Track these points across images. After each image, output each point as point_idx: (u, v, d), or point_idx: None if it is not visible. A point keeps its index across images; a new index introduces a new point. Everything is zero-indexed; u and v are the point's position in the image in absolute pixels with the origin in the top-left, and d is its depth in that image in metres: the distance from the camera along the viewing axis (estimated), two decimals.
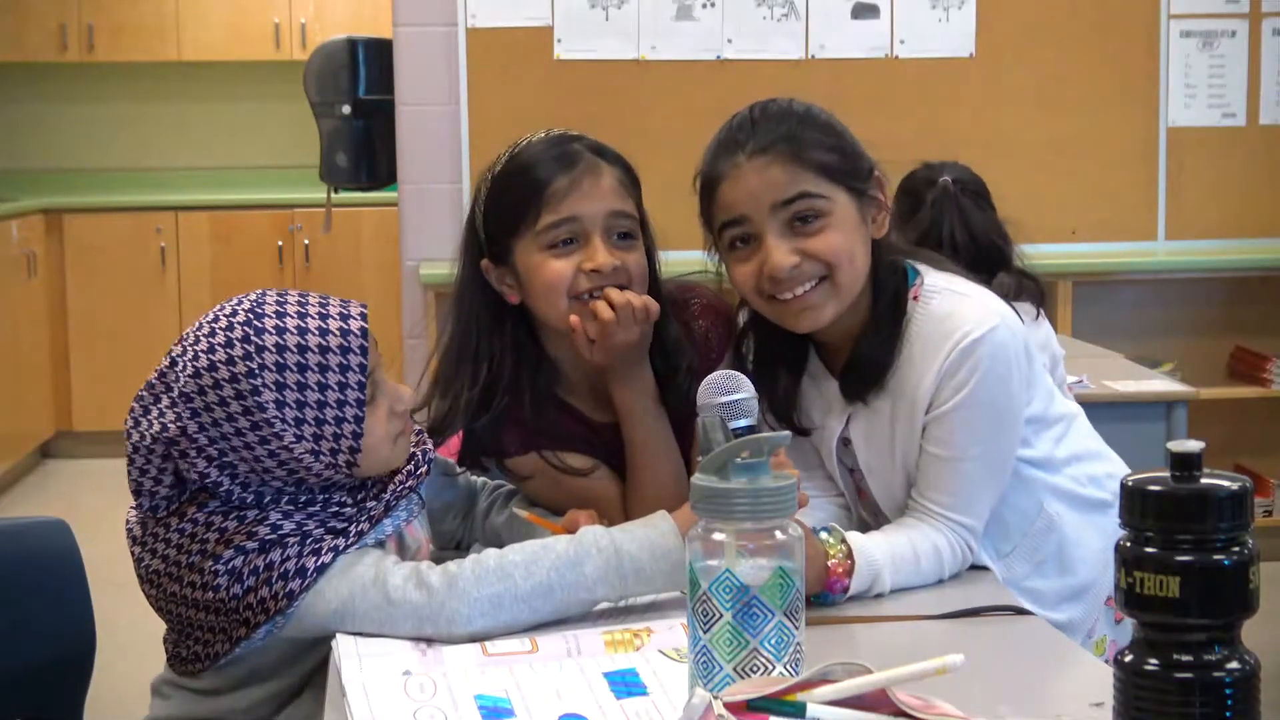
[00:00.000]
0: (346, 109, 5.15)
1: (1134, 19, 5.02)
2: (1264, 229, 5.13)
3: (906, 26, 4.93)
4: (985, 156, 4.68)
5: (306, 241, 7.29)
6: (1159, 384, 3.67)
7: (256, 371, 1.68)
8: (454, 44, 4.81)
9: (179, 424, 1.71)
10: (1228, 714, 1.12)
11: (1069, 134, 5.01)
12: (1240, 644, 1.15)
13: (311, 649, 1.76)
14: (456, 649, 1.64)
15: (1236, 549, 1.13)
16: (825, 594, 1.80)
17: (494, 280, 2.05)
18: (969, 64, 4.97)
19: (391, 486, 1.80)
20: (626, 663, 1.56)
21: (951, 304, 1.94)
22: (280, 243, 7.31)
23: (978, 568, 1.97)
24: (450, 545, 2.10)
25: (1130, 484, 1.15)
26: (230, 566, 1.68)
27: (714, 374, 1.80)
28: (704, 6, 4.86)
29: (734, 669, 1.31)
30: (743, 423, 1.74)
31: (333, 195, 5.59)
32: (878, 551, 1.85)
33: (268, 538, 1.69)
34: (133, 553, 1.77)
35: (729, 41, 4.88)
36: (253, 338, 1.70)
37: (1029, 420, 2.00)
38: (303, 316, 1.73)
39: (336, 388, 1.72)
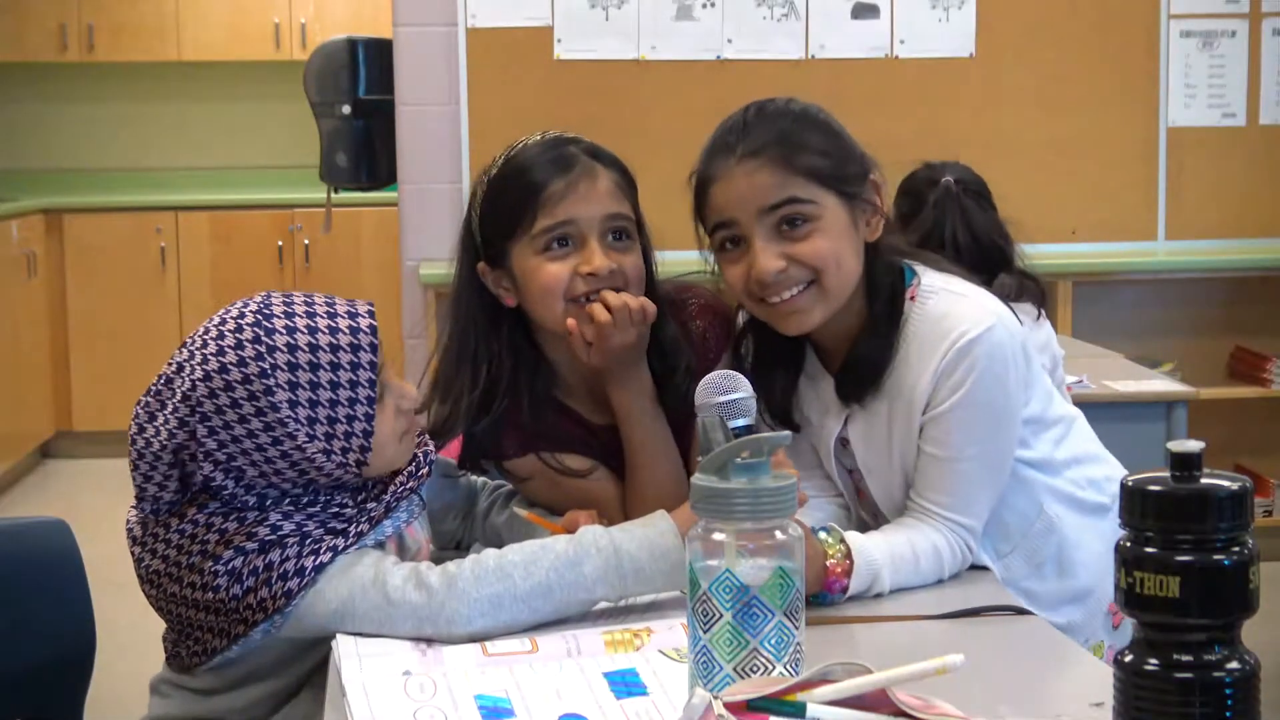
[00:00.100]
0: (346, 109, 5.15)
1: (1134, 19, 5.02)
2: (1264, 229, 5.13)
3: (906, 26, 4.93)
4: (985, 156, 4.68)
5: (306, 241, 7.29)
6: (1159, 384, 3.67)
7: (269, 372, 1.68)
8: (454, 44, 4.82)
9: (187, 430, 1.70)
10: (1228, 714, 1.12)
11: (1069, 134, 5.01)
12: (1240, 644, 1.15)
13: (310, 649, 1.76)
14: (456, 649, 1.64)
15: (1236, 549, 1.13)
16: (824, 594, 1.80)
17: (490, 283, 2.05)
18: (969, 64, 4.97)
19: (392, 488, 1.80)
20: (626, 663, 1.56)
21: (948, 304, 1.94)
22: (280, 243, 7.31)
23: (978, 568, 1.97)
24: (450, 545, 2.10)
25: (1130, 484, 1.15)
26: (230, 567, 1.68)
27: (712, 374, 1.80)
28: (704, 6, 4.86)
29: (734, 669, 1.31)
30: (741, 422, 1.74)
31: (333, 195, 5.59)
32: (877, 551, 1.85)
33: (267, 538, 1.69)
34: (133, 553, 1.77)
35: (729, 41, 4.88)
36: (264, 338, 1.70)
37: (1027, 421, 2.00)
38: (311, 316, 1.73)
39: (348, 386, 1.72)
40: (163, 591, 1.73)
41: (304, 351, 1.71)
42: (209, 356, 1.70)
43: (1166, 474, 1.14)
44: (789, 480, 1.34)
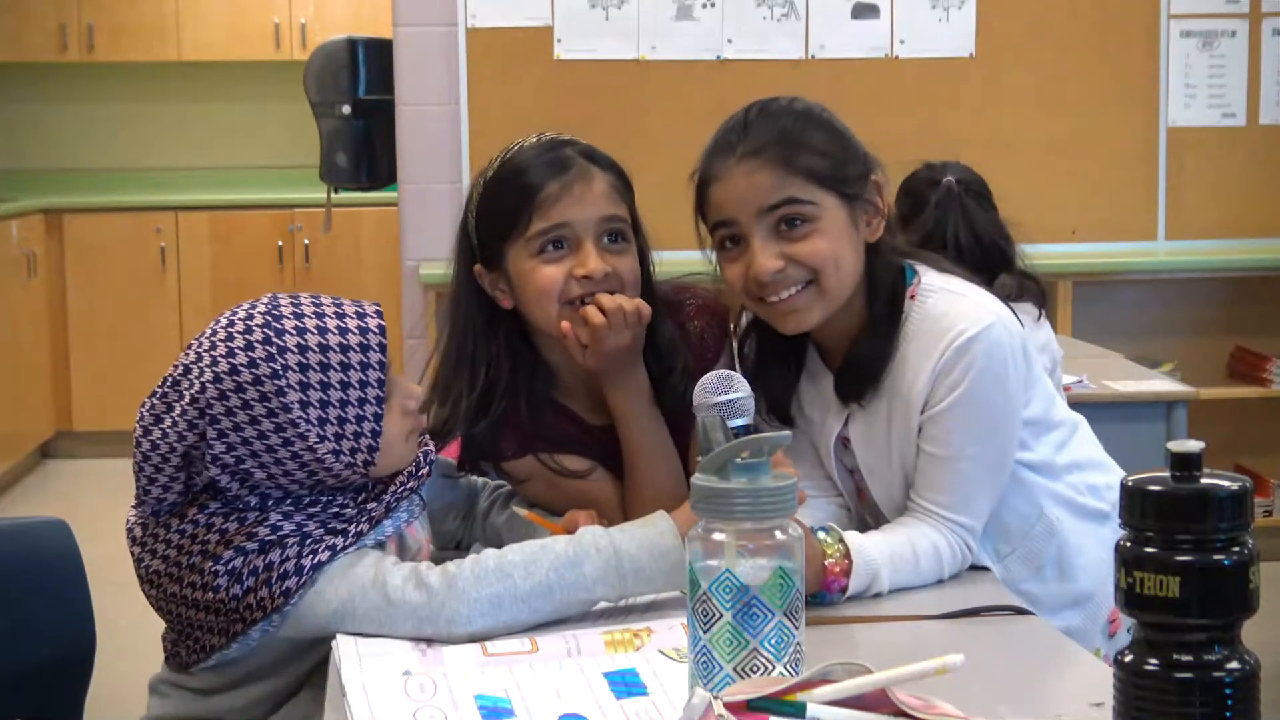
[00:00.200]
0: (346, 109, 5.15)
1: (1134, 19, 5.02)
2: (1264, 229, 5.13)
3: (906, 26, 4.93)
4: (985, 156, 4.68)
5: (306, 241, 7.29)
6: (1159, 384, 3.67)
7: (280, 372, 1.68)
8: (454, 44, 4.82)
9: (196, 431, 1.70)
10: (1228, 714, 1.12)
11: (1069, 134, 5.01)
12: (1240, 644, 1.15)
13: (310, 649, 1.76)
14: (456, 649, 1.64)
15: (1236, 549, 1.13)
16: (823, 594, 1.80)
17: (487, 285, 2.05)
18: (969, 64, 4.97)
19: (393, 488, 1.80)
20: (626, 663, 1.56)
21: (947, 303, 1.94)
22: (280, 243, 7.31)
23: (978, 568, 1.97)
24: (450, 545, 2.10)
25: (1130, 484, 1.15)
26: (230, 567, 1.68)
27: (710, 374, 1.80)
28: (704, 6, 4.86)
29: (734, 669, 1.31)
30: (739, 422, 1.74)
31: (333, 195, 5.59)
32: (876, 551, 1.85)
33: (267, 539, 1.69)
34: (133, 553, 1.77)
35: (729, 41, 4.88)
36: (274, 339, 1.70)
37: (1028, 423, 2.00)
38: (320, 317, 1.73)
39: (358, 386, 1.72)
40: (163, 591, 1.73)
41: (315, 352, 1.71)
42: (218, 358, 1.70)
43: (1166, 474, 1.14)
44: (789, 480, 1.34)
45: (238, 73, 7.78)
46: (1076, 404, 2.21)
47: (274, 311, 1.73)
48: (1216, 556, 1.12)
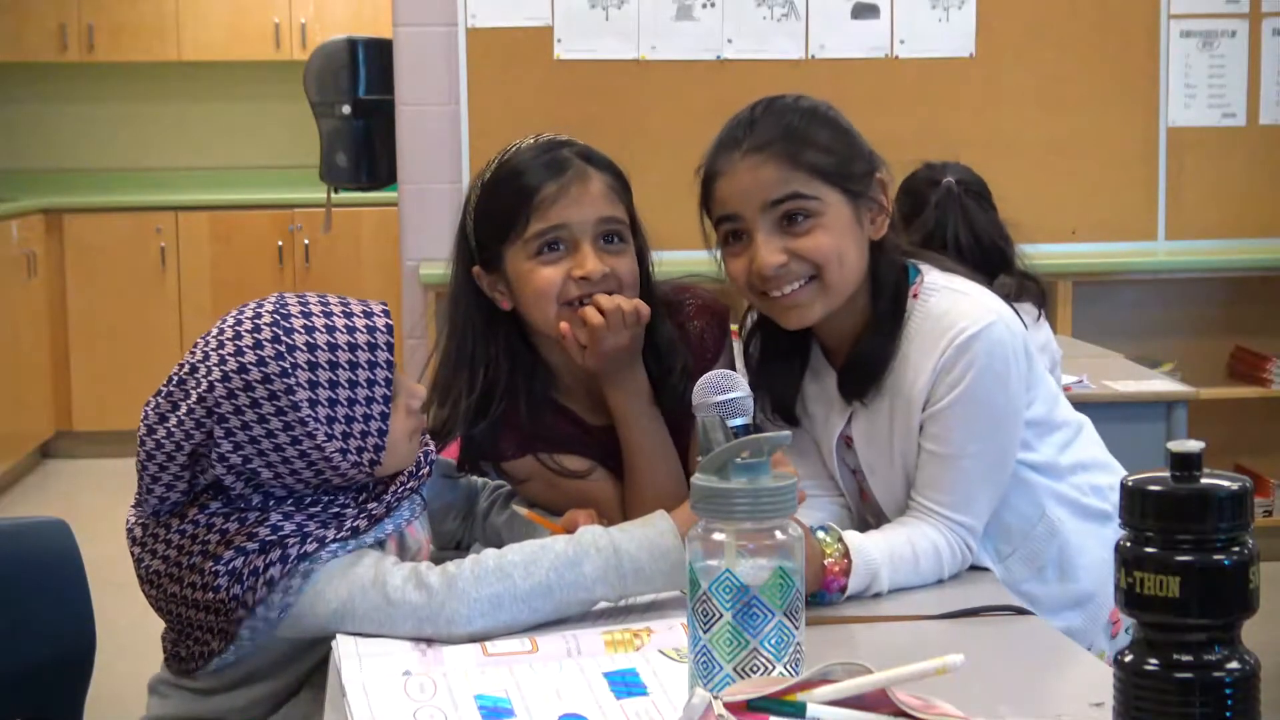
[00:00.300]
0: (346, 109, 5.15)
1: (1134, 19, 5.02)
2: (1264, 229, 5.13)
3: (906, 26, 4.93)
4: (985, 156, 4.68)
5: (306, 241, 7.29)
6: (1159, 384, 3.67)
7: (290, 371, 1.68)
8: (454, 44, 4.82)
9: (204, 430, 1.70)
10: (1228, 714, 1.12)
11: (1069, 134, 5.01)
12: (1240, 644, 1.15)
13: (310, 649, 1.76)
14: (456, 649, 1.64)
15: (1236, 549, 1.13)
16: (822, 593, 1.80)
17: (486, 287, 2.05)
18: (969, 64, 4.97)
19: (393, 488, 1.80)
20: (626, 663, 1.56)
21: (949, 301, 1.94)
22: (280, 243, 7.31)
23: (978, 568, 1.97)
24: (450, 545, 2.10)
25: (1130, 484, 1.15)
26: (230, 567, 1.68)
27: (709, 374, 1.80)
28: (704, 6, 4.86)
29: (734, 669, 1.31)
30: (738, 421, 1.74)
31: (333, 195, 5.59)
32: (875, 551, 1.85)
33: (268, 539, 1.69)
34: (133, 553, 1.77)
35: (729, 41, 4.88)
36: (283, 338, 1.70)
37: (1031, 423, 2.00)
38: (328, 316, 1.73)
39: (366, 385, 1.73)
40: (163, 592, 1.73)
41: (324, 351, 1.71)
42: (227, 357, 1.70)
43: (1166, 474, 1.14)
44: (789, 480, 1.34)
45: (238, 73, 7.78)
46: (1076, 404, 2.21)
47: (282, 310, 1.73)
48: (1216, 556, 1.12)
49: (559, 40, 4.84)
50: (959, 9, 4.94)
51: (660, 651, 1.59)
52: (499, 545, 1.76)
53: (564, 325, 1.99)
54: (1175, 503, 1.13)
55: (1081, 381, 3.52)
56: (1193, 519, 1.13)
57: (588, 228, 1.99)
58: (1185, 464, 1.14)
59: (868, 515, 2.07)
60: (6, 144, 7.74)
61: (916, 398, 1.93)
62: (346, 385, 1.72)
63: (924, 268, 2.00)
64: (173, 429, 1.71)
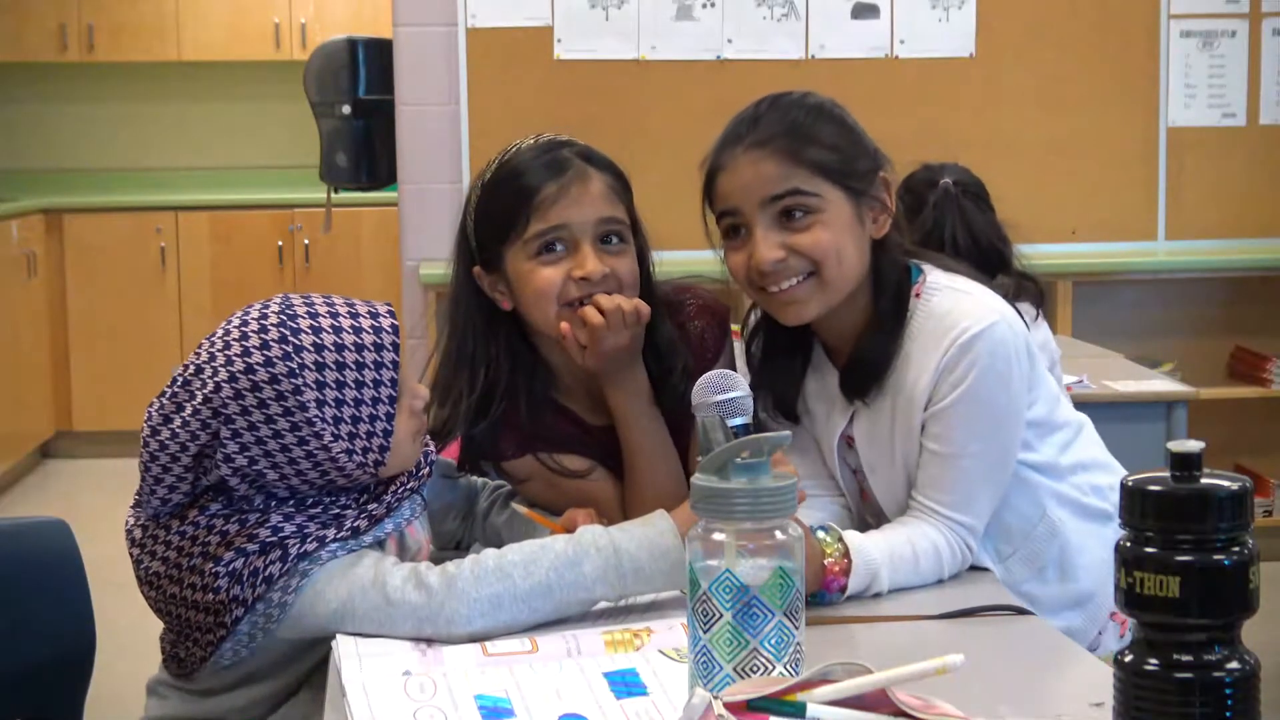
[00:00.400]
0: (346, 109, 5.15)
1: (1134, 19, 5.02)
2: (1264, 229, 5.13)
3: (906, 26, 4.93)
4: (985, 157, 4.68)
5: (306, 241, 7.29)
6: (1159, 384, 3.67)
7: (297, 371, 1.68)
8: (454, 44, 4.82)
9: (209, 431, 1.70)
10: (1228, 714, 1.12)
11: (1069, 134, 5.01)
12: (1240, 644, 1.15)
13: (309, 649, 1.76)
14: (456, 649, 1.63)
15: (1236, 549, 1.13)
16: (822, 593, 1.80)
17: (486, 287, 2.05)
18: (969, 64, 4.97)
19: (393, 488, 1.80)
20: (626, 663, 1.56)
21: (952, 301, 1.94)
22: (280, 243, 7.31)
23: (978, 568, 1.97)
24: (450, 545, 2.10)
25: (1130, 484, 1.15)
26: (231, 568, 1.68)
27: (709, 373, 1.80)
28: (704, 6, 4.86)
29: (734, 669, 1.31)
30: (738, 421, 1.75)
31: (333, 195, 5.59)
32: (875, 550, 1.85)
33: (268, 540, 1.69)
34: (132, 555, 1.77)
35: (729, 41, 4.88)
36: (290, 338, 1.70)
37: (1032, 424, 2.00)
38: (334, 316, 1.73)
39: (372, 385, 1.73)
40: (162, 593, 1.73)
41: (330, 351, 1.71)
42: (233, 358, 1.70)
43: (1166, 474, 1.14)
44: (789, 480, 1.34)
45: (238, 73, 7.78)
46: (1077, 404, 2.21)
47: (288, 311, 1.73)
48: (1216, 556, 1.12)
49: (559, 40, 4.84)
50: (959, 9, 4.94)
51: (660, 651, 1.59)
52: (499, 545, 1.76)
53: (564, 325, 1.99)
54: (1175, 503, 1.13)
55: (1081, 381, 3.52)
56: (1193, 519, 1.13)
57: (588, 228, 1.99)
58: (1185, 464, 1.14)
59: (868, 515, 2.07)
60: (6, 144, 7.74)
61: (918, 397, 1.93)
62: (353, 386, 1.72)
63: (926, 267, 2.00)
64: (177, 430, 1.71)
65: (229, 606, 1.68)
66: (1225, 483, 1.13)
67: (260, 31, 7.64)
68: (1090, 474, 2.09)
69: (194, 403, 1.70)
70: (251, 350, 1.69)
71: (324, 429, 1.69)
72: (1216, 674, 1.13)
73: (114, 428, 6.93)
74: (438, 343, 2.14)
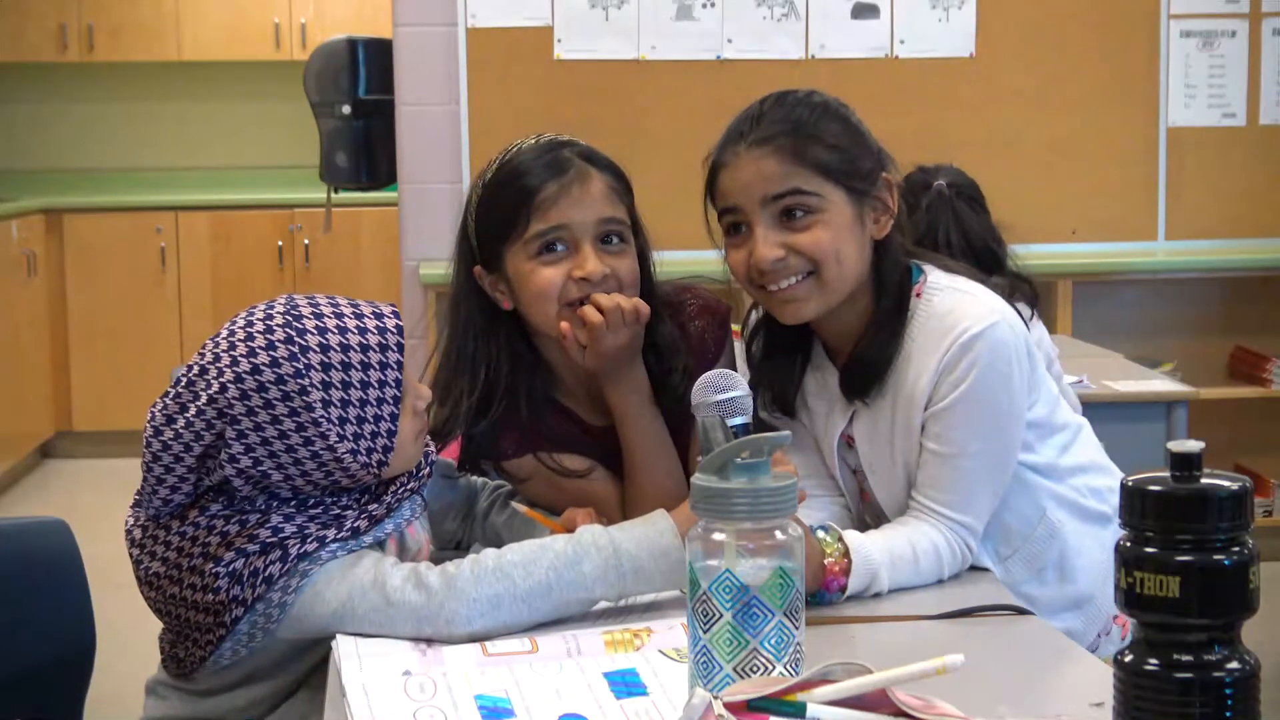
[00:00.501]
0: (346, 109, 5.15)
1: (1134, 19, 5.02)
2: (1264, 229, 5.13)
3: (906, 26, 4.93)
4: (985, 157, 4.69)
5: (306, 241, 7.29)
6: (1159, 384, 3.67)
7: (304, 371, 1.68)
8: (454, 44, 4.82)
9: (214, 432, 1.70)
10: (1228, 714, 1.12)
11: (1069, 134, 5.01)
12: (1240, 644, 1.15)
13: (309, 649, 1.76)
14: (456, 649, 1.63)
15: (1236, 549, 1.13)
16: (822, 593, 1.80)
17: (487, 287, 2.06)
18: (969, 64, 4.97)
19: (394, 488, 1.80)
20: (626, 663, 1.56)
21: (953, 301, 1.94)
22: (280, 243, 7.31)
23: (978, 568, 1.97)
24: (450, 545, 2.10)
25: (1130, 484, 1.15)
26: (231, 569, 1.68)
27: (709, 373, 1.80)
28: (704, 6, 4.86)
29: (734, 669, 1.31)
30: (738, 420, 1.75)
31: (333, 195, 5.59)
32: (875, 550, 1.85)
33: (269, 540, 1.69)
34: (131, 555, 1.77)
35: (729, 41, 4.88)
36: (296, 339, 1.70)
37: (1032, 425, 2.00)
38: (340, 317, 1.73)
39: (377, 386, 1.73)
40: (162, 594, 1.73)
41: (336, 351, 1.71)
42: (239, 358, 1.69)
43: (1166, 474, 1.14)
44: (789, 480, 1.34)
45: (238, 73, 7.78)
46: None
47: (294, 312, 1.73)
48: (1216, 556, 1.12)
49: (559, 40, 4.84)
50: (959, 9, 4.94)
51: (660, 651, 1.59)
52: (499, 545, 1.76)
53: (564, 325, 1.99)
54: (1175, 503, 1.13)
55: (1081, 381, 3.52)
56: (1193, 519, 1.13)
57: (588, 228, 1.99)
58: (1185, 464, 1.14)
59: (867, 516, 2.07)
60: (6, 144, 7.74)
61: (919, 397, 1.93)
62: (359, 386, 1.72)
63: (927, 268, 2.01)
64: (181, 430, 1.71)
65: (229, 606, 1.68)
66: (1225, 483, 1.13)
67: (260, 31, 7.64)
68: (1089, 476, 2.09)
69: (198, 403, 1.70)
70: (257, 350, 1.69)
71: (329, 429, 1.69)
72: (1216, 674, 1.13)
73: (114, 428, 6.93)
74: (438, 343, 2.14)
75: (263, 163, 7.86)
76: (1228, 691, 1.12)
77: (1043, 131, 5.00)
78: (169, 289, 7.24)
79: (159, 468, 1.72)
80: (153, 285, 7.22)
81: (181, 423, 1.71)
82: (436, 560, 1.76)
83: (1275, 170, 5.12)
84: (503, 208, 2.01)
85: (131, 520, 1.78)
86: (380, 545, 1.77)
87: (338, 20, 7.47)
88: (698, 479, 1.34)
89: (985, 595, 1.84)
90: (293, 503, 1.73)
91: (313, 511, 1.73)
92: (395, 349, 1.75)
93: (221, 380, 1.69)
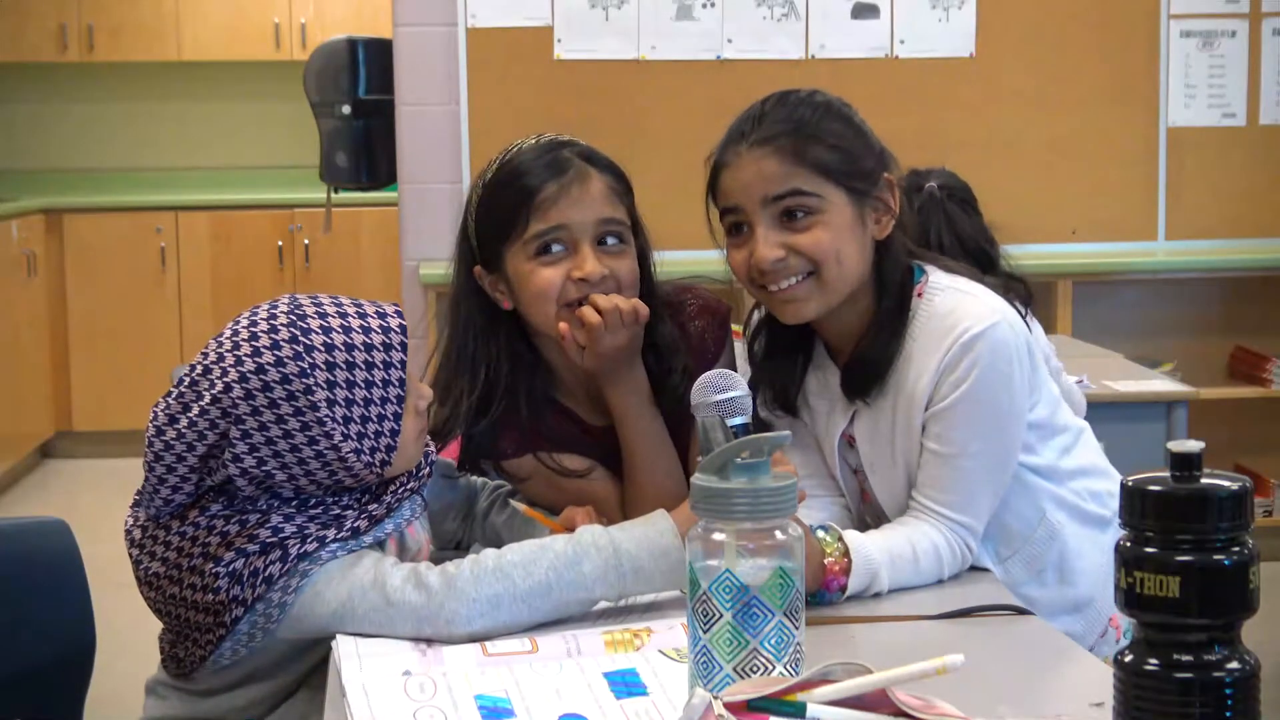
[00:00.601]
0: (346, 109, 5.15)
1: (1134, 19, 5.02)
2: (1264, 229, 5.13)
3: (906, 26, 4.93)
4: (985, 156, 4.69)
5: (306, 241, 7.29)
6: (1159, 384, 3.67)
7: (309, 371, 1.68)
8: (454, 44, 4.82)
9: (218, 431, 1.70)
10: (1228, 714, 1.12)
11: (1069, 134, 5.01)
12: (1240, 644, 1.15)
13: (309, 649, 1.76)
14: (456, 649, 1.63)
15: (1236, 549, 1.13)
16: (822, 593, 1.80)
17: (487, 287, 2.06)
18: (969, 64, 4.97)
19: (394, 488, 1.80)
20: (626, 663, 1.56)
21: (954, 301, 1.94)
22: (280, 243, 7.31)
23: (978, 569, 1.97)
24: (450, 545, 2.10)
25: (1130, 484, 1.15)
26: (231, 569, 1.68)
27: (708, 373, 1.80)
28: (704, 6, 4.86)
29: (734, 669, 1.31)
30: (737, 420, 1.74)
31: (333, 195, 5.59)
32: (875, 550, 1.85)
33: (269, 540, 1.69)
34: (131, 555, 1.77)
35: (729, 41, 4.88)
36: (301, 338, 1.70)
37: (1034, 426, 2.00)
38: (343, 316, 1.74)
39: (381, 385, 1.73)
40: (162, 594, 1.73)
41: (341, 351, 1.71)
42: (243, 358, 1.69)
43: (1166, 474, 1.14)
44: (789, 480, 1.34)
45: (238, 73, 7.78)
46: None
47: (298, 311, 1.73)
48: (1216, 556, 1.12)
49: (559, 40, 4.84)
50: (959, 9, 4.94)
51: (660, 651, 1.59)
52: (499, 545, 1.76)
53: (562, 325, 1.99)
54: (1175, 503, 1.13)
55: (1082, 381, 3.52)
56: (1193, 519, 1.13)
57: (587, 229, 1.99)
58: (1185, 464, 1.14)
59: (868, 516, 2.07)
60: (6, 144, 7.74)
61: (919, 397, 1.93)
62: (363, 385, 1.72)
63: (929, 268, 2.01)
64: (184, 430, 1.71)
65: (229, 606, 1.68)
66: (1225, 483, 1.13)
67: (260, 31, 7.64)
68: (1090, 479, 2.09)
69: (201, 403, 1.70)
70: (262, 350, 1.69)
71: (334, 429, 1.69)
72: (1216, 674, 1.13)
73: (114, 428, 6.93)
74: (438, 343, 2.14)
75: (263, 163, 7.86)
76: (1228, 691, 1.12)
77: (1043, 131, 5.00)
78: (169, 289, 7.24)
79: (161, 467, 1.72)
80: (153, 285, 7.22)
81: (184, 422, 1.71)
82: (436, 560, 1.76)
83: (1275, 170, 5.12)
84: (502, 208, 2.01)
85: (131, 520, 1.78)
86: (380, 545, 1.77)
87: (338, 20, 7.47)
88: (698, 479, 1.34)
89: (985, 595, 1.84)
90: (293, 503, 1.73)
91: (313, 511, 1.73)
92: (398, 348, 1.75)
93: (226, 380, 1.69)
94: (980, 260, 3.14)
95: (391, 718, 1.45)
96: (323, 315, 1.73)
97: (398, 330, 1.76)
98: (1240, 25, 5.08)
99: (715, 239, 2.02)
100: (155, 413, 1.74)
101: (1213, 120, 5.08)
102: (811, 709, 1.17)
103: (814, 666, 1.21)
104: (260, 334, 1.70)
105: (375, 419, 1.73)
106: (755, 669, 1.31)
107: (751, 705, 1.18)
